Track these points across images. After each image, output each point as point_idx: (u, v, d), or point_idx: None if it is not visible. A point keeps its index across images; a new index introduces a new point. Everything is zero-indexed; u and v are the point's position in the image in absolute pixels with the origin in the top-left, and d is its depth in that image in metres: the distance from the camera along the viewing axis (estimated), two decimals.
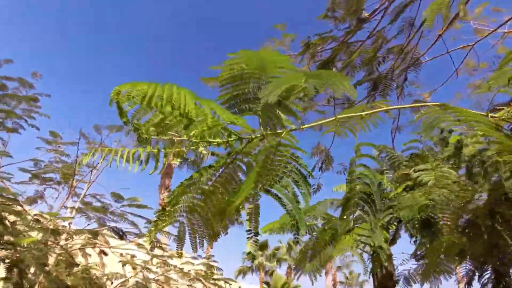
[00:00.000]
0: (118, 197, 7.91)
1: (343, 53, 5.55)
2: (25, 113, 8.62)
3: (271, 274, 27.31)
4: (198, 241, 2.02)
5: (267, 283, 26.61)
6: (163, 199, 17.96)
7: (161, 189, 16.27)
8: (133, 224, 8.10)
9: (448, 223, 3.12)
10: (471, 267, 4.71)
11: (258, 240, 1.47)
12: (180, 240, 2.05)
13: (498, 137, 1.70)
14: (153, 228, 1.65)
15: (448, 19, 6.64)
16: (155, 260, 8.44)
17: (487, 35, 7.76)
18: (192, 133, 1.70)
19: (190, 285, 9.54)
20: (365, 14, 5.10)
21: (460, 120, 1.88)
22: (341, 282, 36.15)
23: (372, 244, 1.86)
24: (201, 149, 1.66)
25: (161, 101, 1.16)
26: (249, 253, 1.55)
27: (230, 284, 10.22)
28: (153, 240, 8.46)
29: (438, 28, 6.89)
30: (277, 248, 31.14)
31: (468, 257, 4.13)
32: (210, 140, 1.73)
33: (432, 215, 3.10)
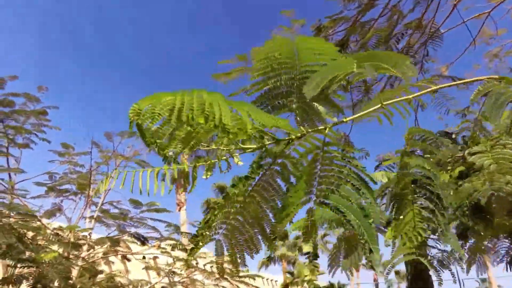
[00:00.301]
0: (136, 203, 7.80)
1: (358, 34, 5.20)
2: (34, 128, 8.54)
3: (294, 263, 27.32)
4: (238, 256, 1.79)
5: (290, 273, 26.64)
6: (180, 202, 17.93)
7: (178, 190, 16.19)
8: (154, 228, 8.00)
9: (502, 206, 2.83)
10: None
11: (318, 265, 1.24)
12: (219, 257, 1.82)
13: None
14: (190, 257, 1.43)
15: None
16: (179, 263, 8.35)
17: (499, 3, 7.28)
18: (224, 142, 1.45)
19: (217, 284, 9.46)
20: None
21: None
22: (363, 265, 36.02)
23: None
24: (236, 160, 1.41)
25: (191, 112, 0.91)
26: (310, 281, 1.32)
27: (255, 279, 10.12)
28: (176, 243, 8.36)
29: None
30: (298, 237, 31.09)
31: None
32: (244, 146, 1.48)
33: (481, 199, 2.82)
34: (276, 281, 27.44)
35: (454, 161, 2.55)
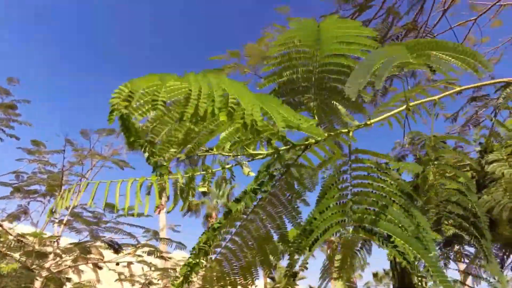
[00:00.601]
0: (112, 207, 7.28)
1: None
2: (2, 123, 7.84)
3: (275, 268, 26.97)
4: None
5: (272, 278, 26.28)
6: (161, 204, 17.13)
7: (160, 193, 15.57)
8: (130, 234, 7.51)
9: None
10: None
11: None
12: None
13: None
14: None
15: None
16: (156, 272, 7.89)
17: (485, 11, 7.40)
18: (227, 146, 1.16)
19: None
20: None
21: None
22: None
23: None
24: (246, 170, 1.12)
25: (212, 105, 0.61)
26: None
27: None
28: (153, 249, 7.88)
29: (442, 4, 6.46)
30: (279, 242, 30.70)
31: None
32: (255, 152, 1.19)
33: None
34: (256, 286, 27.01)
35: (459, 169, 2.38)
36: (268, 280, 25.63)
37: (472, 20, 7.52)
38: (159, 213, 17.10)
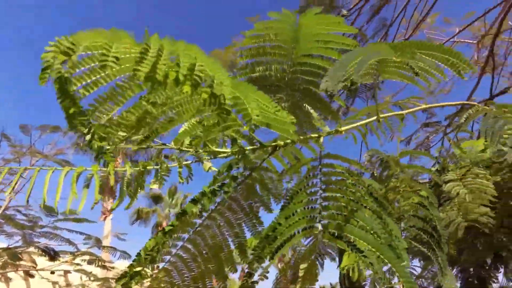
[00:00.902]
0: (49, 210, 6.60)
1: None
2: None
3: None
4: None
5: None
6: (106, 211, 15.93)
7: (105, 195, 14.55)
8: (68, 241, 6.84)
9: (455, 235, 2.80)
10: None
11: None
12: None
13: None
14: None
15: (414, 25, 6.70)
16: (95, 282, 7.25)
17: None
18: (186, 141, 1.02)
19: None
20: (344, 11, 4.75)
21: None
22: None
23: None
24: (206, 165, 0.99)
25: (175, 70, 0.49)
26: None
27: None
28: (94, 258, 7.25)
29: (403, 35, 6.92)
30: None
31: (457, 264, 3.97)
32: (217, 150, 1.07)
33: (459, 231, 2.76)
34: None
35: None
36: None
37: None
38: (104, 219, 15.98)
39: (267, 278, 0.91)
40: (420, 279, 4.19)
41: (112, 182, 1.01)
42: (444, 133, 2.47)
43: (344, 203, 0.90)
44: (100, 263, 7.01)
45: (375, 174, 3.29)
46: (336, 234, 0.82)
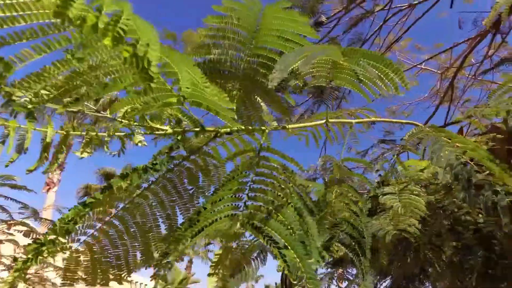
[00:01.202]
0: None
1: None
2: None
3: (170, 269, 25.82)
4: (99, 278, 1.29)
5: (164, 278, 25.02)
6: (51, 182, 14.96)
7: (52, 166, 13.69)
8: (2, 208, 6.37)
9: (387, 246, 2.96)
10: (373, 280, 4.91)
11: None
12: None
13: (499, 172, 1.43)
14: (16, 274, 0.87)
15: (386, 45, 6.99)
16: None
17: (408, 69, 8.52)
18: (123, 110, 0.98)
19: (73, 285, 8.07)
20: (323, 18, 4.83)
21: (464, 151, 1.57)
22: None
23: None
24: (138, 139, 0.96)
25: (95, 16, 0.45)
26: None
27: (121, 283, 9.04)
28: (30, 230, 6.82)
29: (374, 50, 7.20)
30: None
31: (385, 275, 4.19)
32: (155, 126, 1.03)
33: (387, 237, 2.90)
34: (146, 285, 25.50)
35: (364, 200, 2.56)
36: (160, 281, 24.45)
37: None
38: (47, 191, 15.05)
39: (182, 260, 0.90)
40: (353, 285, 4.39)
41: (45, 145, 0.94)
42: (398, 152, 2.62)
43: (271, 197, 0.91)
44: (36, 235, 6.61)
45: (325, 180, 3.40)
46: (256, 226, 0.83)
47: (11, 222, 6.33)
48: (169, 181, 1.22)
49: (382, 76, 0.97)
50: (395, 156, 2.15)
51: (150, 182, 1.19)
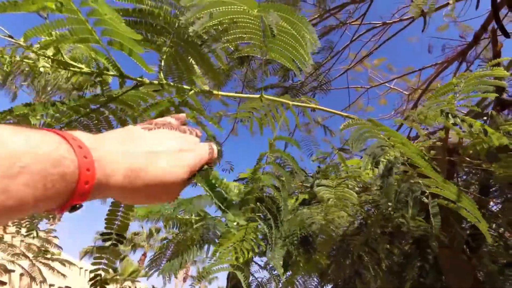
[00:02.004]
0: None
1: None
2: None
3: (122, 259, 25.16)
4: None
5: (114, 268, 24.20)
6: None
7: None
8: None
9: (325, 245, 3.04)
10: (318, 285, 4.97)
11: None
12: None
13: (425, 167, 1.52)
14: None
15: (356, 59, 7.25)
16: None
17: (377, 85, 8.87)
18: (44, 40, 0.96)
19: (13, 261, 7.67)
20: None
21: (389, 140, 1.65)
22: (192, 276, 36.38)
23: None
24: (41, 63, 0.93)
25: None
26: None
27: (66, 266, 8.69)
28: None
29: (346, 63, 7.45)
30: (137, 233, 29.07)
31: (326, 278, 4.26)
32: (70, 62, 1.02)
33: (311, 233, 2.97)
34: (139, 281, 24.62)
35: (301, 191, 2.61)
36: (110, 270, 23.62)
37: (365, 88, 8.83)
38: None
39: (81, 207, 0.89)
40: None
41: None
42: (340, 149, 2.70)
43: None
44: None
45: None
46: None
47: None
48: (85, 127, 1.20)
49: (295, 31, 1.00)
50: (336, 150, 2.22)
51: (64, 124, 1.16)
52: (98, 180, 0.36)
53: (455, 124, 1.62)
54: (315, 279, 4.95)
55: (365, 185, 2.67)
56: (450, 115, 1.47)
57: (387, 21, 6.33)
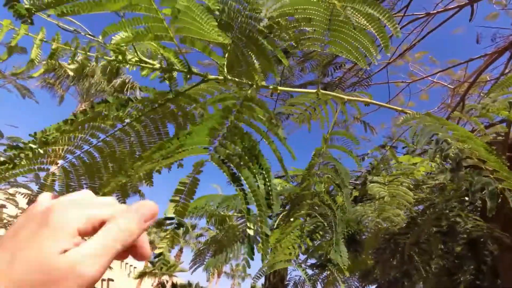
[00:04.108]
0: None
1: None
2: None
3: (159, 255, 25.94)
4: None
5: (152, 262, 25.08)
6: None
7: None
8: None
9: (373, 243, 2.95)
10: (359, 285, 4.84)
11: (179, 234, 0.88)
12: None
13: (494, 162, 1.41)
14: None
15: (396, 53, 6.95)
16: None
17: (419, 79, 8.45)
18: (120, 37, 1.00)
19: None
20: None
21: (454, 134, 1.56)
22: (225, 272, 36.94)
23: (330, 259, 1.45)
24: (126, 65, 0.97)
25: None
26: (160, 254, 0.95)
27: None
28: (31, 193, 6.92)
29: (386, 58, 7.19)
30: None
31: (368, 278, 4.14)
32: (143, 58, 1.06)
33: (358, 231, 2.89)
34: (135, 267, 25.76)
35: (352, 188, 2.55)
36: (149, 264, 24.62)
37: (406, 83, 8.47)
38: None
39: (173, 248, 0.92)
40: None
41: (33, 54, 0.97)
42: (391, 145, 2.59)
43: (248, 144, 0.92)
44: (32, 196, 6.71)
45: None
46: (223, 159, 0.84)
47: (16, 184, 6.44)
48: (152, 120, 1.24)
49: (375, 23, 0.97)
50: (388, 146, 2.13)
51: (134, 119, 1.20)
52: None
53: None
54: (356, 281, 4.82)
55: (417, 182, 2.55)
56: None
57: (431, 11, 6.01)
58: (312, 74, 5.88)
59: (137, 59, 1.07)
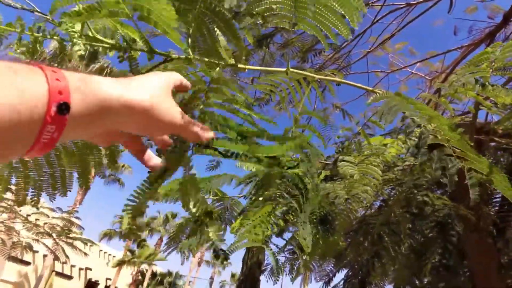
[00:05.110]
0: None
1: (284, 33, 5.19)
2: None
3: (140, 243, 25.92)
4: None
5: (131, 251, 25.04)
6: None
7: None
8: None
9: (344, 224, 3.03)
10: (333, 268, 4.95)
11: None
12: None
13: (457, 140, 1.47)
14: None
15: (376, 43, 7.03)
16: None
17: (398, 69, 8.61)
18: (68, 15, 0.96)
19: (37, 239, 8.02)
20: None
21: (420, 112, 1.61)
22: (207, 261, 37.21)
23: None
24: (76, 48, 0.93)
25: None
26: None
27: (88, 245, 9.03)
28: None
29: (366, 48, 7.25)
30: (154, 218, 29.83)
31: (342, 262, 4.26)
32: (98, 37, 1.02)
33: (330, 211, 2.96)
34: (114, 256, 25.50)
35: (322, 168, 2.60)
36: (128, 253, 24.42)
37: (386, 73, 8.62)
38: None
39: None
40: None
41: None
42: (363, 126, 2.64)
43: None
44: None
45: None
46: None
47: None
48: None
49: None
50: (359, 127, 2.18)
51: None
52: (83, 93, 0.38)
53: (487, 98, 1.56)
54: (331, 264, 4.93)
55: (388, 164, 2.62)
56: (486, 84, 1.40)
57: (411, 2, 6.08)
58: (293, 62, 5.89)
59: (90, 35, 1.03)
